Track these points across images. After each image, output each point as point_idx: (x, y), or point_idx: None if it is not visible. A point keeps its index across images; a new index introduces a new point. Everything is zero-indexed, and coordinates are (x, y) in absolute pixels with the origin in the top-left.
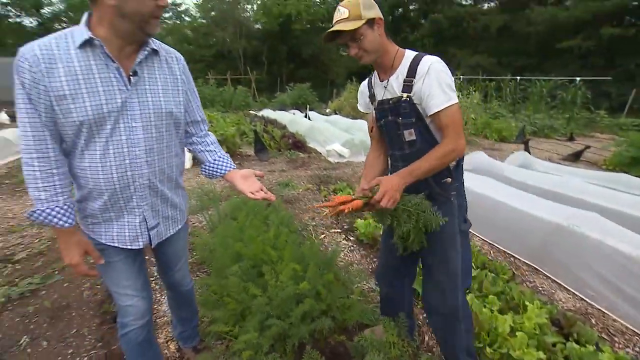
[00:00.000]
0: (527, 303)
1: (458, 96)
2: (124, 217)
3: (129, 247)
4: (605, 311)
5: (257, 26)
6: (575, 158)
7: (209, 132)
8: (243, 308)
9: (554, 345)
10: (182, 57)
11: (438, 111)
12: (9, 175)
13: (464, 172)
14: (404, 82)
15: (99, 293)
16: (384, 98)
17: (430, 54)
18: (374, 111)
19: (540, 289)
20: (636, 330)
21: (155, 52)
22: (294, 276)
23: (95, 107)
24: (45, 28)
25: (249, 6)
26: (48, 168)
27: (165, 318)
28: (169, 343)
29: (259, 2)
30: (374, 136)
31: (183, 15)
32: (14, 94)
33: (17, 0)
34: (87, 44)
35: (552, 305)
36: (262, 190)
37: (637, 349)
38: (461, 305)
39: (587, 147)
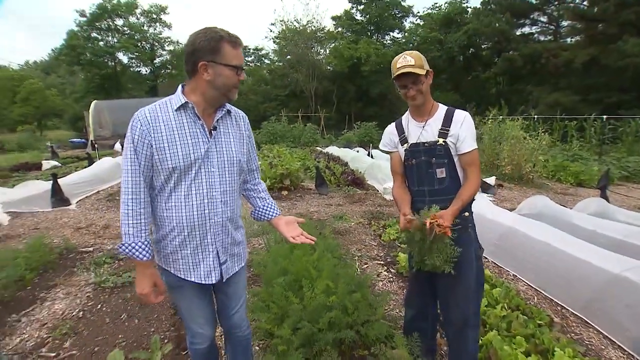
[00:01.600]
0: (556, 349)
1: (525, 137)
2: (199, 253)
3: (204, 282)
4: None
5: (329, 67)
6: None
7: (261, 181)
8: (283, 313)
9: None
10: (246, 116)
11: (467, 152)
12: (119, 193)
13: (522, 216)
14: (440, 129)
15: None
16: (419, 141)
17: (463, 108)
18: (403, 151)
19: (587, 342)
20: None
21: (229, 112)
22: (327, 291)
23: (185, 155)
24: (155, 75)
25: (322, 50)
26: (138, 208)
27: None
28: None
29: (331, 46)
30: (399, 172)
31: (263, 59)
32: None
33: (139, 54)
34: (182, 107)
35: (591, 358)
36: (302, 235)
37: None
38: (472, 315)
39: None
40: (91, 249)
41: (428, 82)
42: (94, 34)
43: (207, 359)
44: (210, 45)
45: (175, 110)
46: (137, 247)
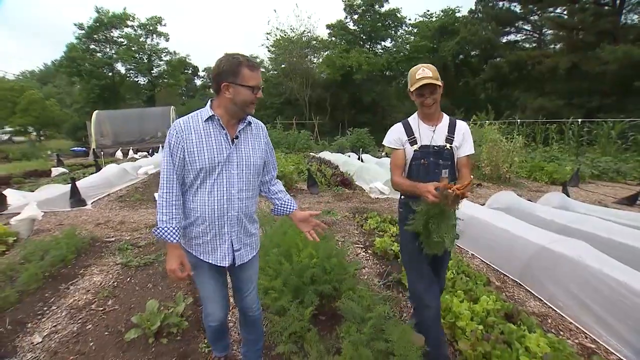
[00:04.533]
0: (483, 296)
1: (500, 140)
2: (217, 240)
3: (219, 264)
4: (564, 315)
5: (322, 76)
6: (630, 202)
7: (278, 181)
8: (277, 274)
9: (496, 324)
10: (265, 127)
11: (468, 154)
12: (128, 195)
13: (493, 209)
14: (447, 135)
15: None
16: (430, 144)
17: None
18: (412, 151)
19: (516, 297)
20: (581, 327)
21: (250, 123)
22: (310, 256)
23: (210, 158)
24: (152, 85)
25: (315, 59)
26: (170, 199)
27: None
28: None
29: (324, 55)
30: (401, 166)
31: None
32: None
33: (136, 65)
34: (209, 119)
35: (508, 303)
36: (311, 231)
37: (577, 341)
38: None
39: None
40: (113, 239)
41: (440, 91)
42: (92, 46)
43: (218, 334)
44: (232, 69)
45: (205, 121)
46: (168, 231)
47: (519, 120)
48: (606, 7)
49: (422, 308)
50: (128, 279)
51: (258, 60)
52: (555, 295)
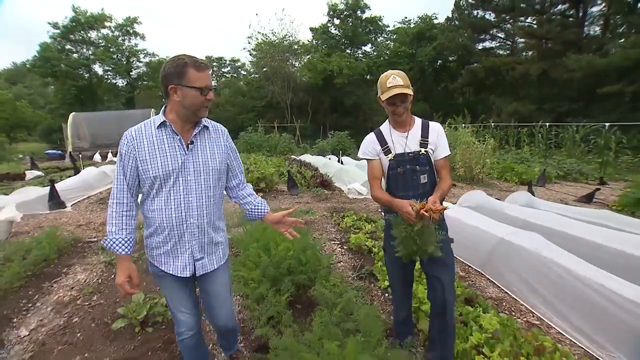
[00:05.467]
0: None
1: (473, 143)
2: (177, 250)
3: (180, 275)
4: (517, 298)
5: (303, 79)
6: (587, 199)
7: (247, 184)
8: (256, 266)
9: (456, 307)
10: (225, 130)
11: (444, 157)
12: (109, 197)
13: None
14: (420, 140)
15: None
16: (405, 151)
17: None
18: (387, 161)
19: (478, 285)
20: (529, 308)
21: (206, 127)
22: (287, 249)
23: (164, 165)
24: (131, 86)
25: (297, 63)
26: (120, 210)
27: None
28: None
29: (305, 59)
30: (378, 177)
31: (240, 70)
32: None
33: (114, 66)
34: (162, 125)
35: (469, 289)
36: (290, 230)
37: (525, 319)
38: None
39: (597, 189)
40: (95, 239)
41: (411, 99)
42: (68, 46)
43: (193, 354)
44: (176, 70)
45: (157, 128)
46: (117, 242)
47: (493, 124)
48: (570, 19)
49: (396, 310)
50: (112, 276)
51: (239, 63)
52: (510, 282)
